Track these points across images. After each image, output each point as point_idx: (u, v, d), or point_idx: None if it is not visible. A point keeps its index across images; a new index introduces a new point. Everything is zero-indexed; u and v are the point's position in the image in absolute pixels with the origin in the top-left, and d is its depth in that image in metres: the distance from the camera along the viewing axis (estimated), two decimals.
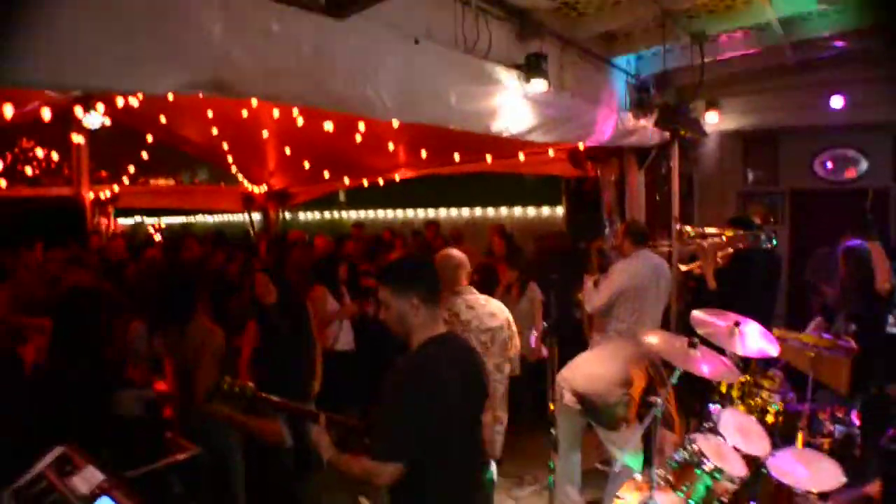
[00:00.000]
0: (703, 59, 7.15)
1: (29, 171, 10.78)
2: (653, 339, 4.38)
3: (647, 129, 7.96)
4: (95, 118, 9.19)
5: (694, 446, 4.23)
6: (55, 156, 10.92)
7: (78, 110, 8.63)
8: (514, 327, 4.82)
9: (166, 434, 4.27)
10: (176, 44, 3.29)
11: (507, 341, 4.66)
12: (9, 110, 7.15)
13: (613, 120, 7.36)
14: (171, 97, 8.04)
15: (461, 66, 5.05)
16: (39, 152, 10.57)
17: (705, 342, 4.23)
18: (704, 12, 6.76)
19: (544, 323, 5.04)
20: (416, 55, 4.60)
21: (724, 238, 6.41)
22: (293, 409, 3.17)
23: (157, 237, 13.97)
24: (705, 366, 3.97)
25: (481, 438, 3.15)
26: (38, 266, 7.99)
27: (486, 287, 5.72)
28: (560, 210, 11.96)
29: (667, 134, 8.41)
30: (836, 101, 8.39)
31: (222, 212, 18.21)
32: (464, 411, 2.90)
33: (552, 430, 5.11)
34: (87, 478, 2.67)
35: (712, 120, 8.99)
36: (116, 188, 11.67)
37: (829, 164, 9.56)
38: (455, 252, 4.66)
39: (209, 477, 4.29)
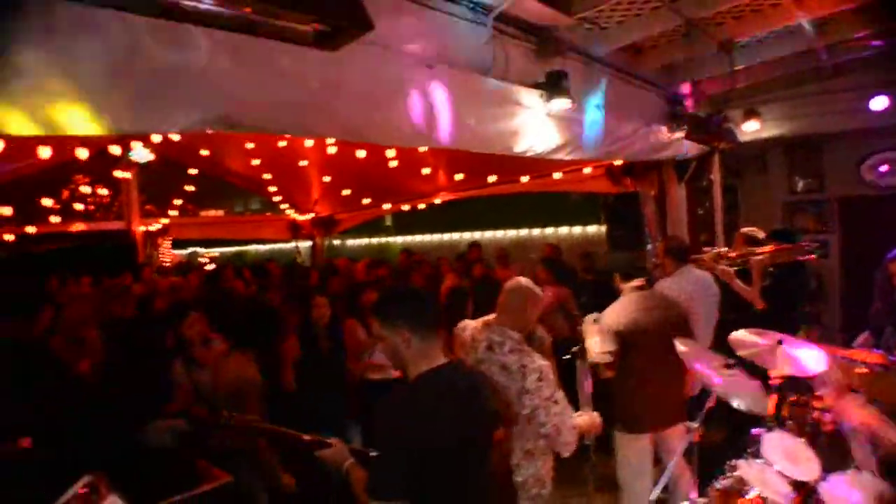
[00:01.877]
0: (732, 66, 7.02)
1: (81, 206, 11.13)
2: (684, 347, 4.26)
3: (681, 142, 7.83)
4: (143, 153, 9.49)
5: (735, 473, 3.99)
6: (105, 191, 11.25)
7: (115, 149, 8.92)
8: (536, 396, 3.71)
9: (198, 463, 4.30)
10: (185, 82, 3.36)
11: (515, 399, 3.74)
12: (46, 152, 7.39)
13: (645, 134, 7.27)
14: (210, 131, 8.37)
15: (479, 88, 5.04)
16: (86, 189, 10.91)
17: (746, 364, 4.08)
18: (730, 18, 6.65)
19: (574, 350, 4.73)
20: (430, 80, 4.61)
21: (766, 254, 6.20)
22: (301, 440, 3.12)
23: (210, 266, 14.27)
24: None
25: (497, 472, 3.10)
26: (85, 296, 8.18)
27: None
28: (604, 228, 11.86)
29: (705, 145, 8.28)
30: (879, 103, 8.11)
31: (271, 241, 18.52)
32: (467, 445, 2.77)
33: (592, 456, 4.84)
34: None
35: (751, 128, 8.76)
36: (166, 220, 11.94)
37: (884, 168, 9.26)
38: (518, 286, 4.02)
39: None
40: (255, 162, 10.66)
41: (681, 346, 4.28)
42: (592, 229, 15.17)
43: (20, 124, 3.08)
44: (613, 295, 5.34)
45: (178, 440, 4.22)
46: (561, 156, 6.08)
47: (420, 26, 4.70)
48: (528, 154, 5.64)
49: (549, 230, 16.47)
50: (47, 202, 10.34)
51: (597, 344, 4.88)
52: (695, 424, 4.05)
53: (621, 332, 4.94)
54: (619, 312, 5.06)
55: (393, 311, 2.86)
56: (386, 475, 2.62)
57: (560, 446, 3.73)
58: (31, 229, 10.26)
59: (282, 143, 9.07)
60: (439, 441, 2.65)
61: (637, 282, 5.16)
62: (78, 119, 3.17)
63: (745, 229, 6.76)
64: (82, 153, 8.43)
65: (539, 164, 8.31)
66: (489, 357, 3.81)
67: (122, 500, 2.80)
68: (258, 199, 14.90)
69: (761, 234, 6.53)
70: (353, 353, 6.45)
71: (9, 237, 10.18)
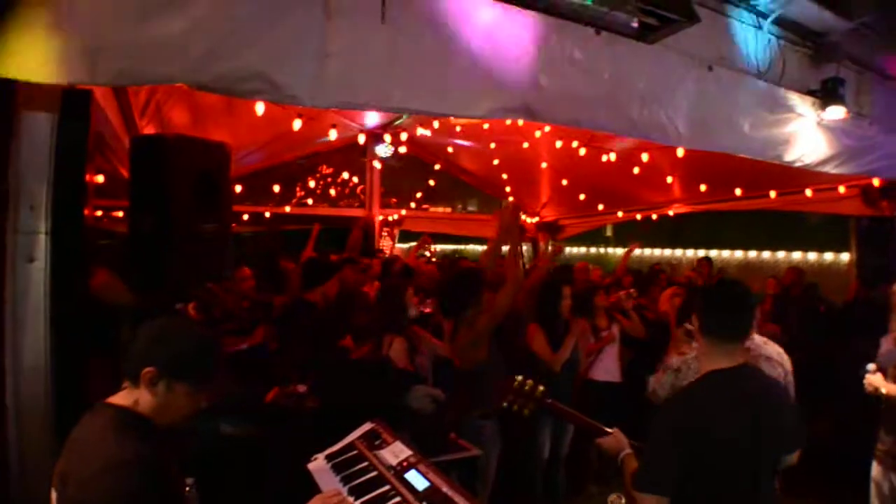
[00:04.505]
0: None
1: (333, 192, 11.97)
2: None
3: None
4: (385, 148, 10.15)
5: None
6: (355, 179, 12.04)
7: (387, 137, 9.66)
8: (790, 377, 3.82)
9: (449, 434, 4.53)
10: (491, 73, 3.63)
11: None
12: (333, 134, 8.29)
13: None
14: (458, 128, 8.79)
15: (754, 92, 5.02)
16: (345, 174, 11.74)
17: None
18: None
19: None
20: (709, 82, 4.66)
21: None
22: (582, 421, 3.22)
23: (433, 260, 14.79)
24: None
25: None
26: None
27: None
28: (845, 256, 11.09)
29: None
30: None
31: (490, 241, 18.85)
32: (747, 457, 2.67)
33: None
34: (396, 451, 2.99)
35: None
36: (404, 212, 12.55)
37: None
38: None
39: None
40: (495, 161, 10.97)
41: None
42: (829, 257, 14.29)
43: (344, 99, 3.48)
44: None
45: (435, 406, 4.43)
46: (828, 168, 5.86)
47: (700, 27, 4.71)
48: (797, 164, 5.51)
49: (781, 254, 15.67)
50: (311, 183, 11.31)
51: None
52: None
53: None
54: None
55: (695, 308, 2.95)
56: (652, 468, 2.65)
57: None
58: (287, 209, 11.18)
59: (525, 145, 9.29)
60: (712, 446, 2.61)
61: None
62: (387, 96, 3.51)
63: None
64: (361, 138, 9.22)
65: (792, 179, 8.00)
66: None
67: (407, 445, 3.03)
68: (478, 199, 15.28)
69: None
70: (580, 352, 6.51)
71: (267, 214, 11.10)
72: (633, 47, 4.11)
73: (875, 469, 4.69)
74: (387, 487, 2.69)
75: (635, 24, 3.14)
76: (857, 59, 6.12)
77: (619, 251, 19.36)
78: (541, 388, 3.28)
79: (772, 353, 3.75)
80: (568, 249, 20.48)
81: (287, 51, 3.22)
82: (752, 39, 5.16)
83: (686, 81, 4.55)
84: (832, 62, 5.64)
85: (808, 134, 5.45)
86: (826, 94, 5.38)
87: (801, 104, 5.37)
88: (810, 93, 5.47)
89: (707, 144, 4.86)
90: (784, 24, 5.38)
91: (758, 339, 3.80)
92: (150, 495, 1.94)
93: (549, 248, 12.89)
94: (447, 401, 4.48)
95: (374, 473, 2.86)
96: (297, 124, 7.23)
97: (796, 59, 5.57)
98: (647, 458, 2.69)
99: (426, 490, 2.60)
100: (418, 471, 2.76)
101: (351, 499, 2.62)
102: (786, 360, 3.76)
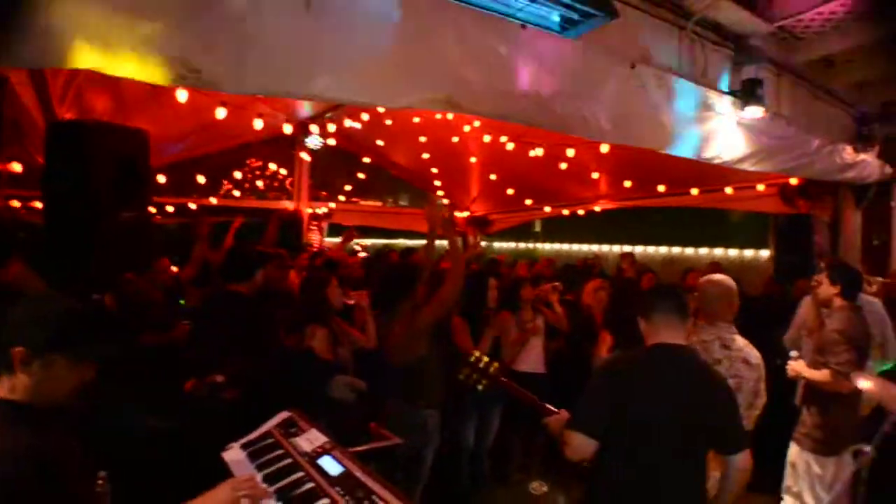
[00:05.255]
0: None
1: (261, 183, 11.79)
2: (865, 383, 4.11)
3: (866, 164, 7.54)
4: (315, 140, 10.03)
5: None
6: (284, 171, 11.89)
7: (314, 128, 9.52)
8: (762, 383, 3.90)
9: (371, 423, 4.52)
10: (415, 64, 3.64)
11: (753, 395, 3.82)
12: (259, 124, 8.12)
13: (830, 152, 7.06)
14: (389, 122, 8.76)
15: (675, 90, 5.13)
16: (273, 166, 11.57)
17: None
18: None
19: None
20: (632, 79, 4.74)
21: None
22: (530, 401, 3.29)
23: (363, 255, 14.72)
24: None
25: (695, 476, 2.99)
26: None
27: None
28: (765, 252, 11.43)
29: (888, 169, 7.93)
30: None
31: (420, 235, 18.90)
32: (670, 433, 2.87)
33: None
34: (311, 439, 2.99)
35: None
36: (333, 205, 12.45)
37: None
38: (721, 279, 4.06)
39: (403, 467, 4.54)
40: (425, 155, 10.96)
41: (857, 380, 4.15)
42: (750, 253, 14.71)
43: (266, 86, 3.45)
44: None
45: (356, 395, 4.42)
46: (746, 166, 6.04)
47: (624, 26, 4.80)
48: (715, 161, 5.66)
49: (704, 250, 16.08)
50: (237, 175, 11.14)
51: None
52: (867, 448, 3.87)
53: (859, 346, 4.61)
54: (856, 327, 4.66)
55: (637, 308, 3.24)
56: (583, 411, 2.96)
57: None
58: (213, 200, 10.96)
59: (455, 139, 9.31)
60: (631, 404, 2.89)
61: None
62: (310, 84, 3.50)
63: None
64: (287, 128, 9.09)
65: (713, 177, 8.21)
66: (729, 355, 3.84)
67: (323, 433, 3.04)
68: (408, 194, 15.28)
69: None
70: (504, 344, 6.57)
71: (192, 205, 10.86)
72: (558, 43, 4.17)
73: (792, 450, 4.83)
74: (301, 474, 2.67)
75: (556, 18, 3.19)
76: (776, 61, 6.33)
77: (548, 247, 19.61)
78: (496, 364, 3.38)
79: (751, 357, 3.83)
80: (497, 244, 20.65)
81: (208, 37, 3.17)
82: (675, 39, 5.30)
83: (609, 78, 4.63)
84: (752, 63, 5.81)
85: (726, 132, 5.61)
86: (745, 94, 5.55)
87: (721, 103, 5.53)
88: (730, 92, 5.63)
89: (629, 140, 4.98)
90: (706, 24, 5.53)
91: (740, 341, 3.89)
92: (30, 485, 1.83)
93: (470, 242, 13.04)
94: (370, 392, 4.50)
95: (289, 461, 2.84)
96: (220, 113, 7.10)
97: (717, 59, 5.74)
98: (582, 402, 2.99)
99: (340, 475, 2.59)
100: (333, 457, 2.76)
101: (265, 485, 2.60)
102: (761, 365, 3.84)
